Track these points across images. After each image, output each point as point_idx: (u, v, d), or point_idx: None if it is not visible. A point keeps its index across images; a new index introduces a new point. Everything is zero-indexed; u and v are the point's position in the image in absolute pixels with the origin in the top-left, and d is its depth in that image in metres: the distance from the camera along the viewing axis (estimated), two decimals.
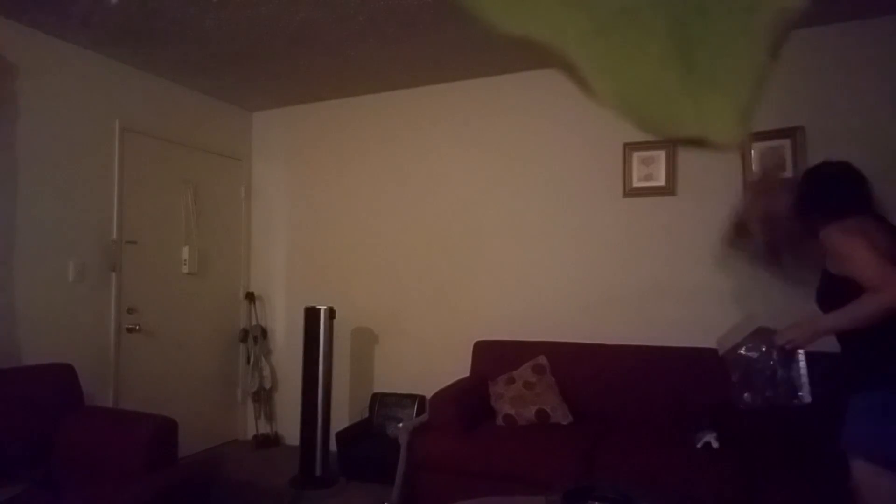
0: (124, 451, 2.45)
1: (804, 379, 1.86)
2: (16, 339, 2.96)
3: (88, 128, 3.35)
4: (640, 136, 3.32)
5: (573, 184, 3.57)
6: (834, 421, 1.80)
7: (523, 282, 3.67)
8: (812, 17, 2.97)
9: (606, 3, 0.24)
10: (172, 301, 3.88)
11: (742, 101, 0.24)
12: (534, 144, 3.68)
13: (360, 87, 4.05)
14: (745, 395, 1.94)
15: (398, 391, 3.90)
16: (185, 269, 3.95)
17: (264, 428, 4.35)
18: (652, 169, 3.36)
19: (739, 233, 2.19)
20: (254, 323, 4.38)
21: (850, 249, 1.71)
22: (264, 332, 4.39)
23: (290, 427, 4.22)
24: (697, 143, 0.25)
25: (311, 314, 3.60)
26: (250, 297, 4.44)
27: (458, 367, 3.67)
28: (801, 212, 1.96)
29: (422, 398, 3.73)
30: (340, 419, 3.95)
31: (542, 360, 3.31)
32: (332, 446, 3.60)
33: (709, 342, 2.97)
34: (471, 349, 3.61)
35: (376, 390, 4.00)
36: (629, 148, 3.40)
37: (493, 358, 3.46)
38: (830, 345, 1.88)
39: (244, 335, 4.35)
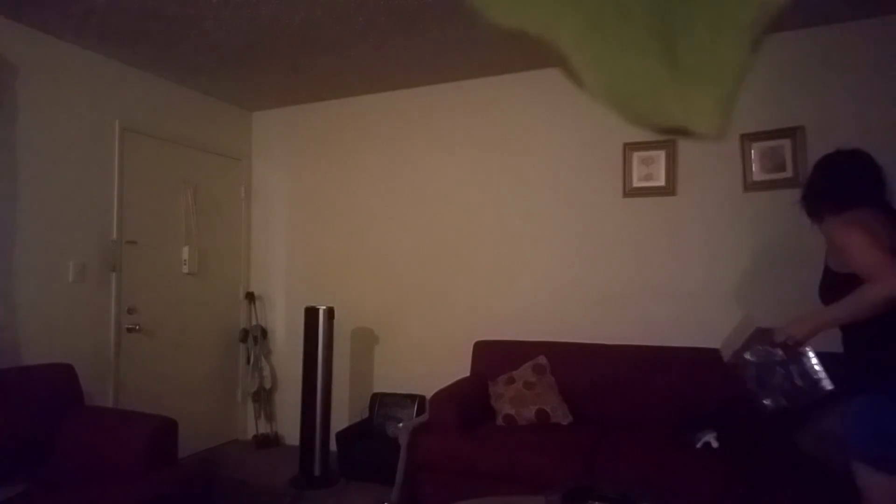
0: (124, 451, 2.45)
1: (819, 367, 1.84)
2: (16, 339, 2.96)
3: (88, 128, 3.35)
4: (640, 136, 3.32)
5: (573, 184, 3.57)
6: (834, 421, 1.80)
7: (523, 282, 3.67)
8: (812, 17, 2.97)
9: None
10: (172, 301, 3.88)
11: (725, 92, 0.25)
12: (534, 144, 3.68)
13: (360, 87, 4.06)
14: (766, 401, 1.91)
15: (398, 391, 3.90)
16: (185, 269, 3.95)
17: (264, 428, 4.35)
18: (652, 169, 3.36)
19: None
20: (254, 323, 4.38)
21: (849, 240, 1.71)
22: (264, 332, 4.39)
23: (290, 427, 4.23)
24: (685, 133, 0.25)
25: (311, 314, 3.60)
26: (250, 297, 4.45)
27: (458, 367, 3.67)
28: (809, 200, 1.94)
29: (422, 398, 3.73)
30: (340, 419, 3.96)
31: (542, 360, 3.31)
32: (332, 446, 3.61)
33: (709, 342, 2.98)
34: (471, 349, 3.61)
35: (376, 390, 4.01)
36: (629, 148, 3.40)
37: (493, 358, 3.46)
38: (833, 344, 1.88)
39: (244, 335, 4.35)
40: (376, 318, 4.10)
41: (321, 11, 2.91)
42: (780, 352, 1.88)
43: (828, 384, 1.82)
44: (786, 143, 3.06)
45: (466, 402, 3.07)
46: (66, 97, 3.23)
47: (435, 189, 3.95)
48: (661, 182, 3.34)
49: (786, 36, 3.08)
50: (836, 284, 1.79)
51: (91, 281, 3.34)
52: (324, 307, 3.60)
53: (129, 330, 3.55)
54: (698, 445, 2.63)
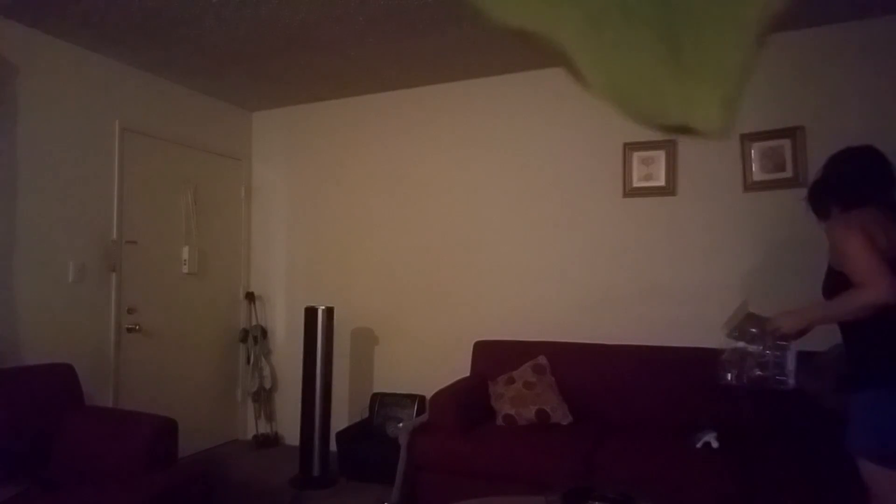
0: (124, 450, 2.45)
1: (791, 365, 1.87)
2: (16, 339, 2.96)
3: (88, 128, 3.35)
4: (640, 136, 3.32)
5: (573, 184, 3.57)
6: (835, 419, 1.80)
7: (523, 282, 3.67)
8: (812, 17, 2.97)
9: None
10: (172, 301, 3.88)
11: (729, 91, 0.25)
12: (534, 144, 3.68)
13: (360, 87, 4.05)
14: (728, 374, 1.96)
15: (398, 391, 3.90)
16: (184, 269, 3.95)
17: (264, 428, 4.35)
18: (652, 169, 3.36)
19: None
20: (254, 323, 4.38)
21: (846, 243, 1.71)
22: (264, 332, 4.39)
23: (289, 427, 4.23)
24: (688, 132, 0.25)
25: (311, 314, 3.60)
26: (250, 297, 4.44)
27: (458, 367, 3.67)
28: (814, 197, 1.94)
29: (422, 398, 3.73)
30: (340, 419, 3.95)
31: (542, 360, 3.31)
32: (332, 446, 3.61)
33: (709, 342, 2.97)
34: (471, 349, 3.61)
35: (376, 390, 4.00)
36: (629, 148, 3.40)
37: (493, 358, 3.46)
38: (820, 342, 1.88)
39: (244, 335, 4.35)
40: (376, 318, 4.10)
41: (321, 12, 2.91)
42: (768, 339, 1.90)
43: (791, 382, 1.86)
44: (786, 143, 3.06)
45: (466, 402, 3.07)
46: (66, 97, 3.23)
47: (435, 189, 3.95)
48: (661, 182, 3.34)
49: (786, 36, 3.08)
50: (837, 283, 1.79)
51: (91, 281, 3.34)
52: (323, 307, 3.60)
53: (128, 330, 3.55)
54: (698, 445, 2.63)
